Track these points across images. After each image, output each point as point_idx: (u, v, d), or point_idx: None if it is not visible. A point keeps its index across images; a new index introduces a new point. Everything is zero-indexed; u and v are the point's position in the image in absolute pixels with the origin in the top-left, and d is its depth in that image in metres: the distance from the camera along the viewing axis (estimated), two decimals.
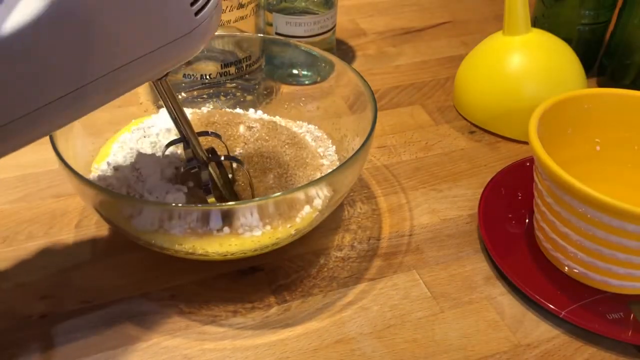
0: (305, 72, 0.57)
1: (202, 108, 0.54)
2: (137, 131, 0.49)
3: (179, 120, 0.39)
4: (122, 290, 0.42)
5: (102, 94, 0.31)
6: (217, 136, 0.45)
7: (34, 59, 0.27)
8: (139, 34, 0.30)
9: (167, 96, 0.37)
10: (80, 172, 0.38)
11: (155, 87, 0.37)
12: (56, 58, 0.28)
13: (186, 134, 0.39)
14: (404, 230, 0.47)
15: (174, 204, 0.41)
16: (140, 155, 0.45)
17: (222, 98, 0.55)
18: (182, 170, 0.43)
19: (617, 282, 0.40)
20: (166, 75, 0.36)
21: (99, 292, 0.41)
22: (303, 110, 0.54)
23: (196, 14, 0.32)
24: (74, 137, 0.44)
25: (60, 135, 0.41)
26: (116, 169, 0.44)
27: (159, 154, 0.45)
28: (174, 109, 0.38)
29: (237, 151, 0.49)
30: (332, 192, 0.42)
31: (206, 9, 0.32)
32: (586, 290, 0.42)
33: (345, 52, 0.71)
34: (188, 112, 0.53)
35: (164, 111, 0.51)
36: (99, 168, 0.45)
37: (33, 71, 0.27)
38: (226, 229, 0.39)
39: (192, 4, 0.32)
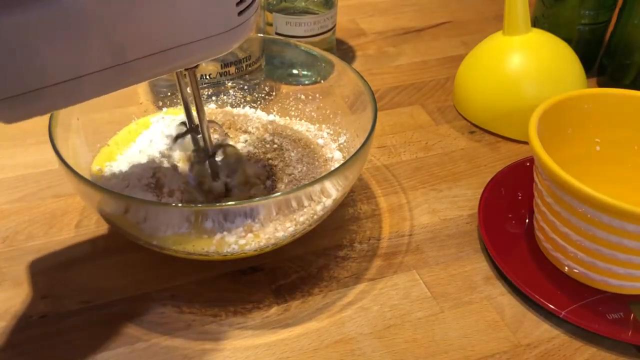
0: (305, 72, 0.57)
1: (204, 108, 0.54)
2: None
3: (199, 108, 0.40)
4: (122, 290, 0.42)
5: (138, 74, 0.33)
6: (220, 126, 0.45)
7: (91, 29, 0.29)
8: (183, 24, 0.32)
9: (192, 85, 0.39)
10: (80, 172, 0.38)
11: (179, 76, 0.40)
12: (105, 31, 0.30)
13: (203, 125, 0.41)
14: (404, 230, 0.47)
15: (173, 204, 0.41)
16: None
17: (222, 98, 0.55)
18: (192, 159, 0.44)
19: (617, 282, 0.40)
20: (197, 65, 0.37)
21: (99, 292, 0.41)
22: (303, 110, 0.54)
23: (239, 13, 0.34)
24: (74, 137, 0.44)
25: (60, 135, 0.41)
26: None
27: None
28: (196, 98, 0.39)
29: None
30: (333, 192, 0.42)
31: (249, 9, 0.34)
32: (586, 290, 0.42)
33: (345, 52, 0.71)
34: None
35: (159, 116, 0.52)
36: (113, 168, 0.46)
37: (88, 40, 0.30)
38: (226, 229, 0.39)
39: (237, 4, 0.33)
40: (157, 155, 0.46)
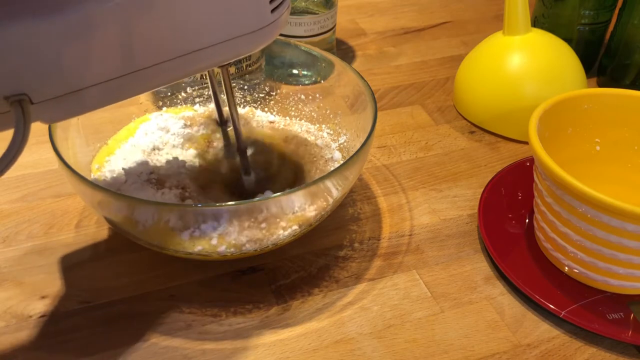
0: (305, 72, 0.57)
1: (203, 108, 0.54)
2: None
3: (231, 105, 0.40)
4: (122, 290, 0.42)
5: (175, 72, 0.34)
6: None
7: (127, 32, 0.30)
8: (218, 23, 0.33)
9: (225, 82, 0.40)
10: (80, 172, 0.38)
11: (211, 73, 0.41)
12: (142, 36, 0.31)
13: (235, 120, 0.41)
14: (404, 230, 0.47)
15: (173, 204, 0.41)
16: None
17: (222, 98, 0.55)
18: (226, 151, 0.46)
19: (617, 282, 0.40)
20: (229, 63, 0.38)
21: (99, 292, 0.41)
22: (303, 110, 0.54)
23: (272, 10, 0.34)
24: (74, 137, 0.44)
25: (60, 135, 0.41)
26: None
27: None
28: (227, 94, 0.40)
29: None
30: (333, 192, 0.42)
31: (281, 6, 0.34)
32: (586, 290, 0.42)
33: (345, 52, 0.71)
34: (189, 112, 0.53)
35: (156, 115, 0.52)
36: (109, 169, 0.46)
37: (124, 42, 0.31)
38: (225, 229, 0.39)
39: (271, 1, 0.34)
40: (151, 148, 0.47)
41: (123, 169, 0.44)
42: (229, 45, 0.34)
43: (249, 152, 0.44)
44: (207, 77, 0.41)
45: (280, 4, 0.34)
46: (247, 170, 0.44)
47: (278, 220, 0.40)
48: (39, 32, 0.28)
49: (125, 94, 0.33)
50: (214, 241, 0.39)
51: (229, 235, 0.39)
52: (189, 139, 0.48)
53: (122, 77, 0.31)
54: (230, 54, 0.35)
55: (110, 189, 0.42)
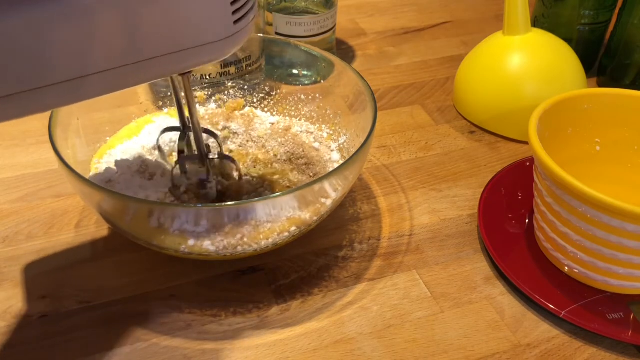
0: (305, 72, 0.57)
1: (202, 108, 0.54)
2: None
3: (192, 113, 0.40)
4: (122, 290, 0.42)
5: (133, 77, 0.33)
6: (215, 136, 0.45)
7: (80, 33, 0.30)
8: (179, 31, 0.32)
9: (186, 89, 0.39)
10: (80, 172, 0.38)
11: (174, 80, 0.40)
12: (100, 36, 0.30)
13: (195, 128, 0.41)
14: (404, 230, 0.47)
15: (173, 204, 0.41)
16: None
17: (222, 98, 0.55)
18: (178, 164, 0.44)
19: (617, 282, 0.40)
20: (190, 71, 0.37)
21: (99, 292, 0.41)
22: (303, 110, 0.54)
23: (236, 22, 0.33)
24: (74, 137, 0.44)
25: (60, 135, 0.41)
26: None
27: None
28: (189, 102, 0.39)
29: (236, 150, 0.49)
30: (333, 192, 0.42)
31: (245, 18, 0.34)
32: (586, 290, 0.42)
33: (345, 52, 0.71)
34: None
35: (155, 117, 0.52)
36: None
37: (76, 45, 0.30)
38: (224, 229, 0.39)
39: (233, 13, 0.33)
40: (152, 147, 0.47)
41: (115, 160, 0.45)
42: (189, 53, 0.33)
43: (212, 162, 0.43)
44: (170, 82, 0.41)
45: (244, 15, 0.34)
46: (208, 178, 0.42)
47: (277, 220, 0.40)
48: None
49: (80, 96, 0.32)
50: (213, 240, 0.39)
51: (227, 235, 0.39)
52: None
53: (77, 80, 0.31)
54: (190, 62, 0.34)
55: (102, 185, 0.43)
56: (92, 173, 0.45)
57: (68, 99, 0.32)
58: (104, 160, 0.46)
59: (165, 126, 0.49)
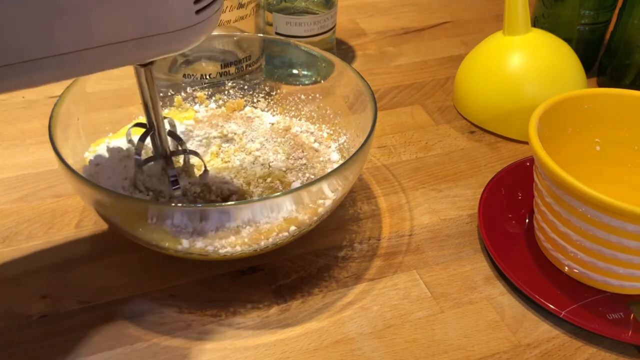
0: (305, 72, 0.57)
1: (203, 108, 0.54)
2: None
3: (153, 108, 0.39)
4: (122, 290, 0.42)
5: (90, 63, 0.32)
6: (195, 154, 0.44)
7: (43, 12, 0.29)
8: (140, 17, 0.31)
9: (148, 83, 0.38)
10: (80, 172, 0.38)
11: (138, 72, 0.38)
12: (57, 21, 0.29)
13: (156, 124, 0.40)
14: (404, 230, 0.47)
15: (173, 204, 0.41)
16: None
17: (222, 98, 0.55)
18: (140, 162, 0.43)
19: (617, 282, 0.40)
20: (152, 62, 0.37)
21: (99, 292, 0.41)
22: (303, 110, 0.54)
23: (198, 12, 0.33)
24: (74, 137, 0.44)
25: (60, 135, 0.41)
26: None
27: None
28: (151, 97, 0.39)
29: (237, 150, 0.49)
30: (332, 192, 0.42)
31: (208, 9, 0.33)
32: (586, 290, 0.42)
33: (345, 52, 0.71)
34: (189, 121, 0.53)
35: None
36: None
37: (40, 21, 0.29)
38: (224, 229, 0.39)
39: (195, 2, 0.32)
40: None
41: (107, 146, 0.45)
42: (150, 41, 0.32)
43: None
44: (135, 75, 0.39)
45: (207, 6, 0.33)
46: (175, 179, 0.41)
47: (277, 220, 0.40)
48: None
49: (40, 79, 0.31)
50: (213, 240, 0.39)
51: (227, 235, 0.39)
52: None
53: (39, 60, 0.30)
54: (149, 52, 0.33)
55: (92, 169, 0.43)
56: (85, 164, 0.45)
57: (23, 81, 0.31)
58: (98, 148, 0.46)
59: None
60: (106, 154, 0.45)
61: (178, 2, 0.32)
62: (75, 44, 0.30)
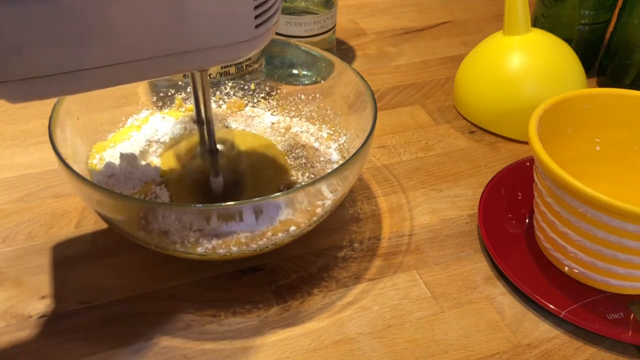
0: (305, 72, 0.57)
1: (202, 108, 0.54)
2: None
3: (205, 106, 0.41)
4: (122, 290, 0.42)
5: (157, 70, 0.34)
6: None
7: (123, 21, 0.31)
8: (200, 30, 0.33)
9: (203, 83, 0.40)
10: (80, 172, 0.38)
11: (193, 76, 0.42)
12: (120, 30, 0.31)
13: (209, 121, 0.41)
14: (404, 230, 0.47)
15: (173, 204, 0.41)
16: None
17: (222, 98, 0.55)
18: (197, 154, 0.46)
19: (617, 282, 0.40)
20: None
21: (99, 292, 0.41)
22: (303, 110, 0.54)
23: (257, 26, 0.34)
24: (74, 137, 0.44)
25: (60, 135, 0.41)
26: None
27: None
28: (204, 96, 0.40)
29: (236, 151, 0.49)
30: (332, 193, 0.42)
31: (266, 23, 0.35)
32: (586, 290, 0.42)
33: (345, 52, 0.71)
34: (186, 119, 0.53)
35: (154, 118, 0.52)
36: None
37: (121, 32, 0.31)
38: (224, 229, 0.39)
39: (255, 17, 0.34)
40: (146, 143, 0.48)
41: (120, 153, 0.46)
42: (210, 52, 0.34)
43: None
44: (190, 78, 0.42)
45: (265, 21, 0.35)
46: (217, 172, 0.44)
47: (277, 220, 0.40)
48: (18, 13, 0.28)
49: (99, 84, 0.33)
50: (213, 240, 0.39)
51: (226, 235, 0.39)
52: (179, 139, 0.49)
53: (101, 68, 0.32)
54: (210, 61, 0.35)
55: (105, 179, 0.44)
56: (92, 170, 0.45)
57: (74, 88, 0.33)
58: (106, 154, 0.47)
59: (163, 125, 0.50)
60: (116, 163, 0.45)
61: (241, 18, 0.34)
62: (139, 52, 0.32)
